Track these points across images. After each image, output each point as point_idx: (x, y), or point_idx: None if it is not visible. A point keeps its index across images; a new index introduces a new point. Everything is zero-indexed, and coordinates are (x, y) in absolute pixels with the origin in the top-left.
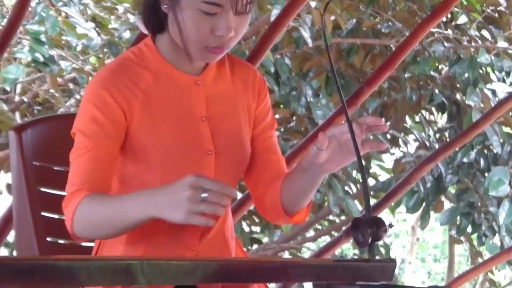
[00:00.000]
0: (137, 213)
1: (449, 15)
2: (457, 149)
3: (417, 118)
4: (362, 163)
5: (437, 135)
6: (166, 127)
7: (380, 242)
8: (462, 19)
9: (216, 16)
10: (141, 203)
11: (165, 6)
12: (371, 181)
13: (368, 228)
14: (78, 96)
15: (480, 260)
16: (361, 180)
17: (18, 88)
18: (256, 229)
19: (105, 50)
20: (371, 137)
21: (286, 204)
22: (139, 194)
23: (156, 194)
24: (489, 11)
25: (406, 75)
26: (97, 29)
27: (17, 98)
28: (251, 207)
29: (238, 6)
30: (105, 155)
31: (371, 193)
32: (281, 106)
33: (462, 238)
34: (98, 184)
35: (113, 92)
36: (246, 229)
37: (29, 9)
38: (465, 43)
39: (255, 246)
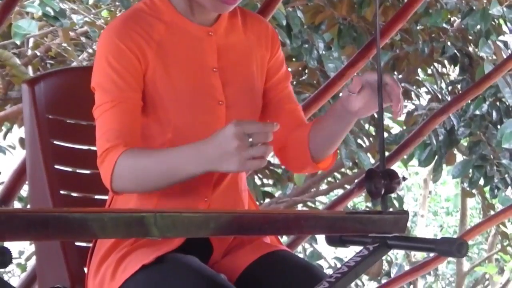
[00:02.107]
0: (192, 167)
1: None
2: (469, 101)
3: (429, 71)
4: (383, 115)
5: (449, 88)
6: (179, 77)
7: (393, 195)
8: None
9: None
10: (195, 158)
11: None
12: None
13: (381, 180)
14: (90, 50)
15: (492, 213)
16: (374, 133)
17: (31, 42)
18: (269, 182)
19: (116, 3)
20: None
21: (313, 151)
22: (188, 148)
23: (205, 148)
24: None
25: (418, 27)
26: None
27: (29, 52)
28: None
29: None
30: (131, 107)
31: None
32: (293, 59)
33: (474, 191)
34: (131, 138)
35: (126, 41)
36: (258, 182)
37: None
38: None
39: (267, 200)
